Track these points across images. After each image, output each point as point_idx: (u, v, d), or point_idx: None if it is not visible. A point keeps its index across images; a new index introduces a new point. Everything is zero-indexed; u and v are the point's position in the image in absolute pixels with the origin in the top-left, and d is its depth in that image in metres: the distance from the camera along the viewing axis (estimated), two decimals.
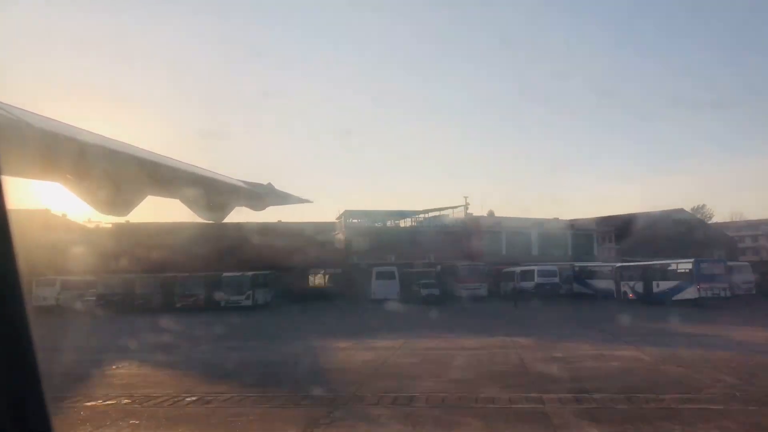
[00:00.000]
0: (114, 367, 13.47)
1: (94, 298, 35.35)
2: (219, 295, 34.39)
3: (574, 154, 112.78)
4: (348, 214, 50.03)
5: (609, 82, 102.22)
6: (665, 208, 54.07)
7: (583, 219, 52.82)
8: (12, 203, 1.72)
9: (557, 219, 51.94)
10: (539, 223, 49.93)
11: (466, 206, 50.21)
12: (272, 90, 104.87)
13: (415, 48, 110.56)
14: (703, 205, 68.75)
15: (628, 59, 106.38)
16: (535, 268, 37.97)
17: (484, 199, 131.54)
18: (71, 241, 39.53)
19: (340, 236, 47.83)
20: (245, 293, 34.27)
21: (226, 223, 50.11)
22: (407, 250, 44.15)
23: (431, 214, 53.06)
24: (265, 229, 40.49)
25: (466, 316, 27.45)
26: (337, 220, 50.76)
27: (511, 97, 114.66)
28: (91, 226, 47.74)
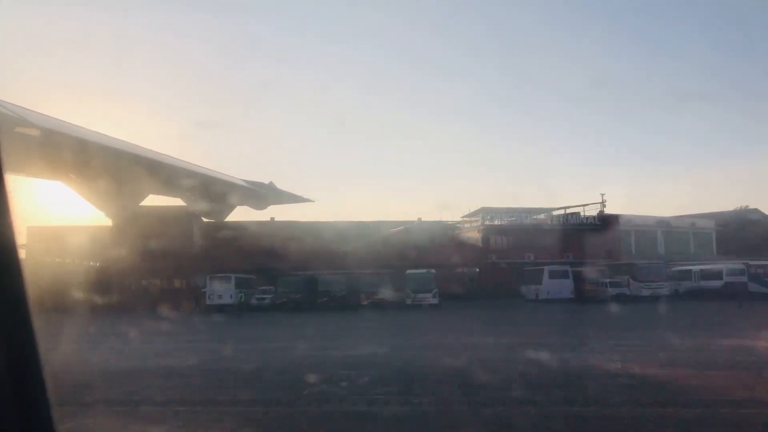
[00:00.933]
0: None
1: (270, 296, 35.23)
2: (405, 293, 34.36)
3: (584, 151, 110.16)
4: (485, 211, 49.23)
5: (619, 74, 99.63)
6: (735, 208, 56.80)
7: (695, 215, 53.41)
8: (14, 201, 1.65)
9: (678, 217, 52.21)
10: (664, 221, 49.74)
11: (602, 203, 49.21)
12: (275, 85, 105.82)
13: (413, 43, 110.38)
14: (747, 206, 66.36)
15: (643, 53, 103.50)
16: (723, 266, 37.55)
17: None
18: (222, 239, 41.01)
19: (475, 234, 47.87)
20: (432, 291, 33.99)
21: (365, 222, 52.41)
22: (544, 248, 43.92)
23: (552, 212, 52.55)
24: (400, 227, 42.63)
25: (705, 316, 26.27)
26: (460, 219, 51.74)
27: (523, 94, 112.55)
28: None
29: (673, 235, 49.59)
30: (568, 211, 49.88)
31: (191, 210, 44.51)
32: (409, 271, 35.32)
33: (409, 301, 33.79)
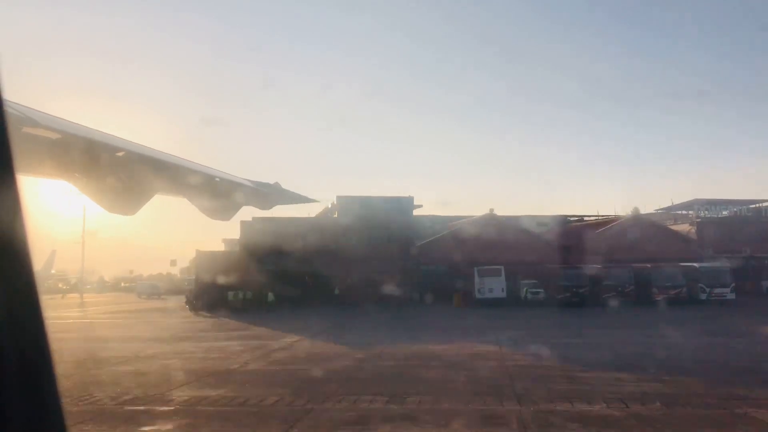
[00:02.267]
0: None
1: (542, 290, 34.96)
2: (700, 288, 33.41)
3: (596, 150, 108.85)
4: (698, 202, 48.15)
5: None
6: None
7: None
8: (26, 201, 1.58)
9: None
10: None
11: None
12: (278, 86, 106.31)
13: (412, 52, 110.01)
14: None
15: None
16: None
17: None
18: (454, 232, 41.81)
19: (686, 227, 47.02)
20: (729, 285, 32.88)
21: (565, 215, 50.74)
22: (757, 242, 43.43)
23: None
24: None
25: None
26: (655, 210, 51.95)
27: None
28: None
29: None
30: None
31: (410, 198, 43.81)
32: (702, 265, 34.24)
33: (704, 297, 32.39)
